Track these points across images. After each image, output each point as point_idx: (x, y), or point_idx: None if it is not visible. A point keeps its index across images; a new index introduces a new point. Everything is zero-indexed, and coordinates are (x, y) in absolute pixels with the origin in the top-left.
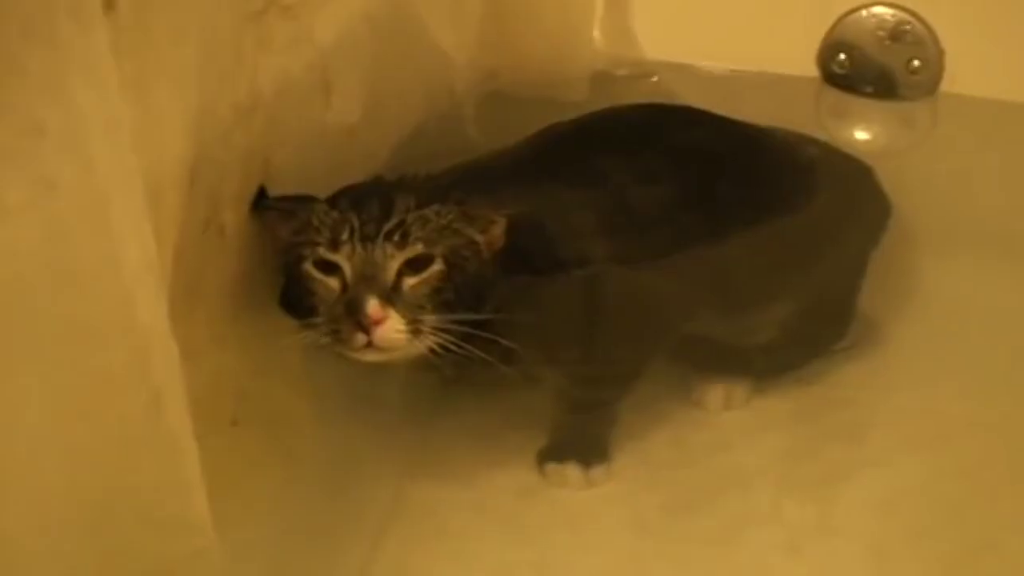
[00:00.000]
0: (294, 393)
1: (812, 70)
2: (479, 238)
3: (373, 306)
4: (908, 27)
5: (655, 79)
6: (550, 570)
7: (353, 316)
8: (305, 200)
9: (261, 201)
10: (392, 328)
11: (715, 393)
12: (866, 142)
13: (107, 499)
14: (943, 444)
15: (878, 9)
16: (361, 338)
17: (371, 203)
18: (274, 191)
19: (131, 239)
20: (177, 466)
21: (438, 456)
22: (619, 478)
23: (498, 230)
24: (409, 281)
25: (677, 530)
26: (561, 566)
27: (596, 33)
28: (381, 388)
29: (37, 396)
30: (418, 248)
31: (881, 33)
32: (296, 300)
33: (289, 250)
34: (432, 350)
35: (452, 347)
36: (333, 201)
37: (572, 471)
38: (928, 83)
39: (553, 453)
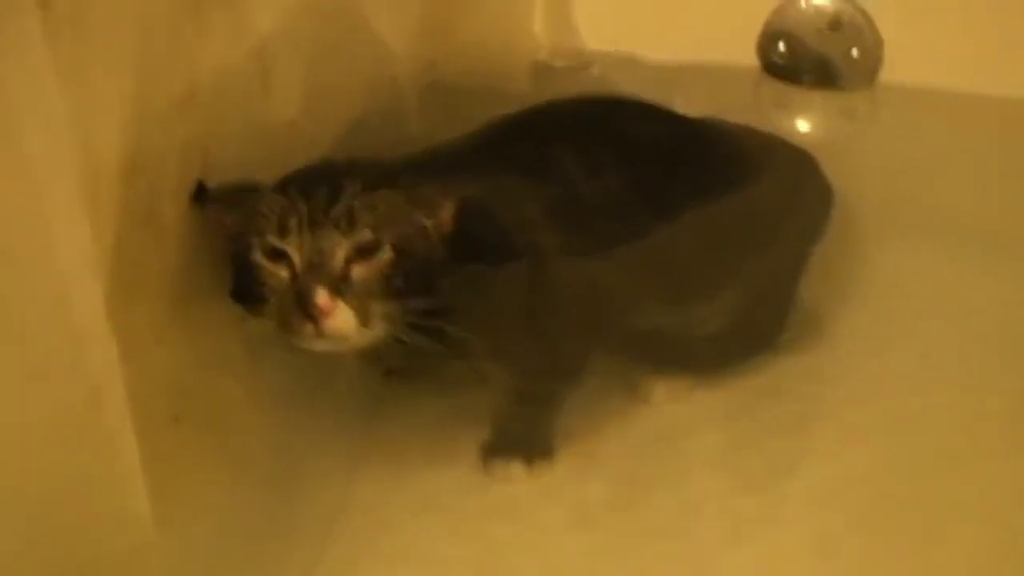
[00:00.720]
0: (237, 389)
1: (752, 60)
2: (428, 223)
3: (322, 296)
4: (847, 16)
5: (595, 69)
6: (496, 565)
7: (302, 306)
8: (250, 188)
9: (203, 193)
10: (341, 318)
11: (658, 386)
12: (806, 131)
13: (44, 495)
14: (887, 435)
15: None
16: (311, 328)
17: (319, 189)
18: (213, 184)
19: (66, 232)
20: (115, 462)
21: (382, 453)
22: (563, 471)
23: (447, 214)
24: (358, 269)
25: (621, 523)
26: (506, 561)
27: (537, 23)
28: (325, 385)
29: None
30: (366, 234)
31: (820, 23)
32: (245, 290)
33: (237, 239)
34: (382, 339)
35: (402, 335)
36: (281, 187)
37: (516, 467)
38: (867, 72)
39: (496, 449)
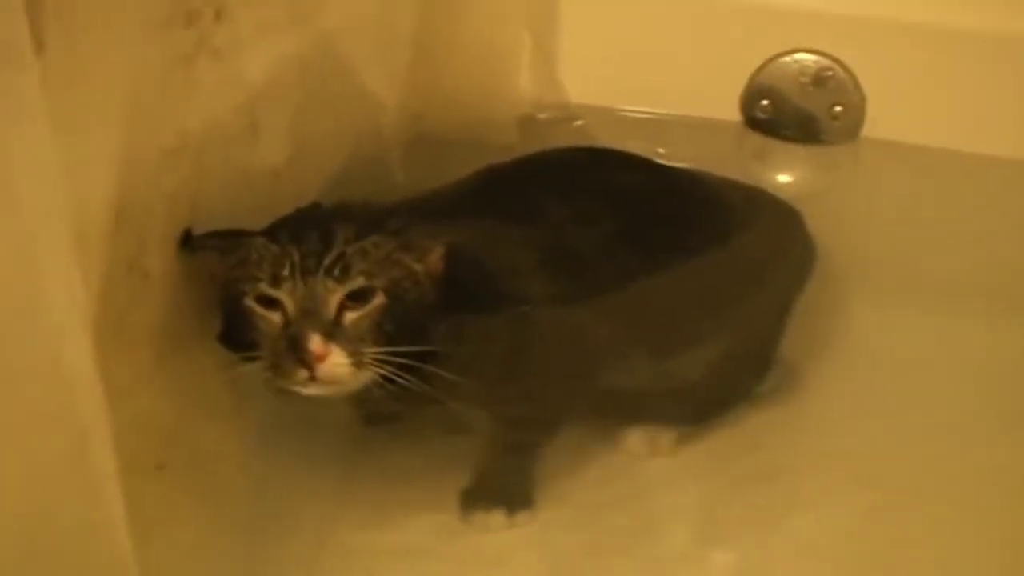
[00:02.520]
0: (221, 435)
1: (735, 114)
2: (418, 268)
3: (315, 342)
4: (830, 73)
5: (580, 122)
6: None
7: (295, 352)
8: (238, 235)
9: (191, 240)
10: (334, 363)
11: (640, 440)
12: (788, 186)
13: (29, 540)
14: (864, 487)
15: (801, 55)
16: (304, 373)
17: (310, 235)
18: (199, 232)
19: (58, 279)
20: (101, 509)
21: (363, 498)
22: (542, 520)
23: (436, 258)
24: (351, 315)
25: (598, 573)
26: None
27: (523, 77)
28: (308, 430)
29: None
30: (359, 281)
31: (804, 79)
32: (236, 335)
33: (227, 286)
34: (374, 382)
35: (395, 378)
36: (272, 233)
37: (496, 516)
38: (850, 128)
39: (477, 497)
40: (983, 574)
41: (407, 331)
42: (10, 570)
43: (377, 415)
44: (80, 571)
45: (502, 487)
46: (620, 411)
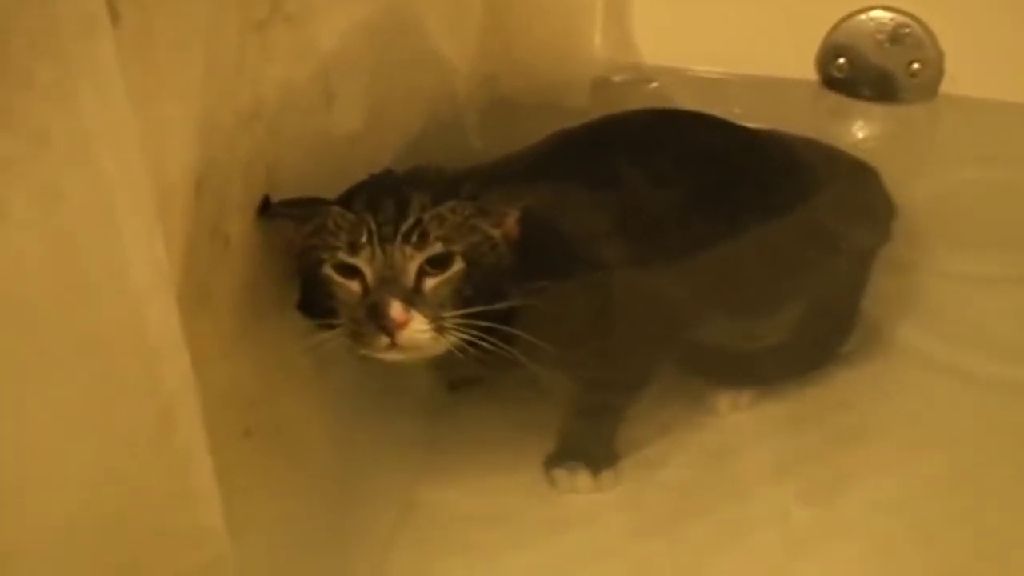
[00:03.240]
0: (304, 400)
1: (811, 74)
2: (495, 232)
3: (396, 309)
4: (907, 30)
5: (655, 84)
6: (558, 574)
7: (376, 319)
8: (314, 203)
9: (269, 208)
10: (415, 329)
11: (722, 397)
12: (866, 145)
13: (120, 511)
14: (949, 446)
15: (877, 12)
16: (385, 340)
17: (386, 203)
18: (277, 199)
19: (140, 249)
20: (190, 477)
21: (445, 462)
22: (626, 482)
23: (512, 222)
24: (430, 282)
25: (683, 534)
26: (568, 570)
27: (596, 39)
28: (390, 394)
29: (47, 410)
30: (437, 248)
31: (880, 36)
32: (314, 303)
33: (304, 254)
34: (455, 347)
35: (475, 342)
36: (346, 202)
37: (581, 477)
38: (928, 85)
39: (561, 459)
40: None
41: (485, 296)
42: (102, 541)
43: (460, 380)
44: (171, 537)
45: (586, 448)
46: (703, 372)
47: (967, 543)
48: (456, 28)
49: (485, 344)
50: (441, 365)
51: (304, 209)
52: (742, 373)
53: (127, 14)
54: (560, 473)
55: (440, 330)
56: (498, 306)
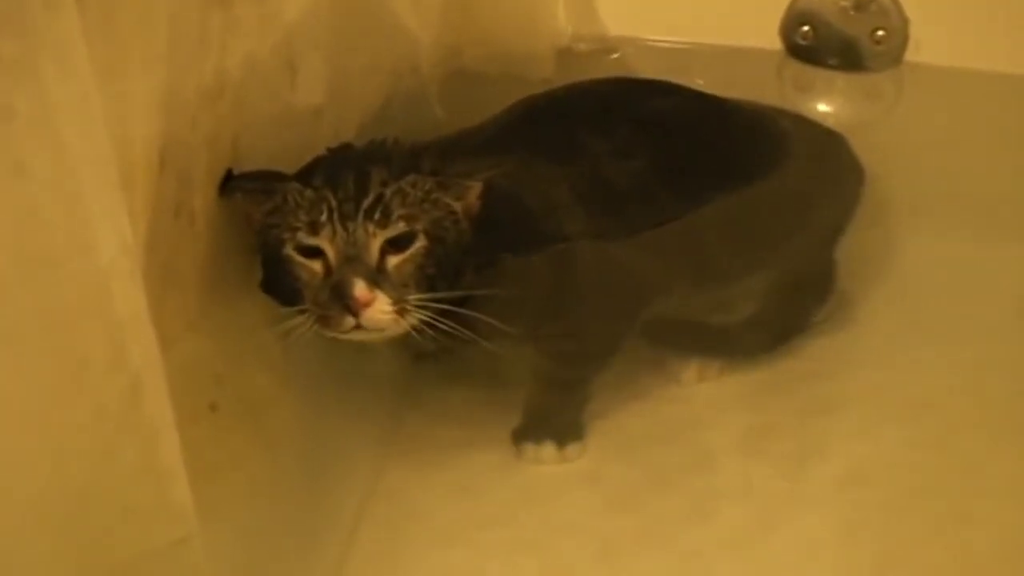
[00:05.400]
0: (270, 375)
1: (775, 43)
2: (457, 206)
3: (360, 289)
4: None
5: (618, 55)
6: (527, 548)
7: (340, 300)
8: (275, 177)
9: (229, 182)
10: (380, 309)
11: (689, 367)
12: (832, 114)
13: (86, 488)
14: (917, 416)
15: None
16: (350, 321)
17: (346, 178)
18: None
19: (105, 224)
20: (157, 453)
21: (413, 438)
22: (593, 455)
23: (473, 195)
24: (393, 260)
25: (651, 506)
26: (538, 544)
27: (559, 10)
28: (357, 370)
29: (11, 385)
30: (400, 226)
31: (845, 3)
32: (277, 283)
33: (265, 231)
34: (417, 327)
35: (437, 323)
36: (305, 177)
37: (548, 450)
38: (893, 53)
39: (528, 432)
40: None
41: (449, 272)
42: (68, 518)
43: (425, 354)
44: (138, 512)
45: (552, 421)
46: (671, 344)
47: (935, 513)
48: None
49: (447, 325)
50: (403, 343)
51: (262, 183)
52: (713, 344)
53: None
54: (527, 446)
55: (403, 310)
56: (462, 293)
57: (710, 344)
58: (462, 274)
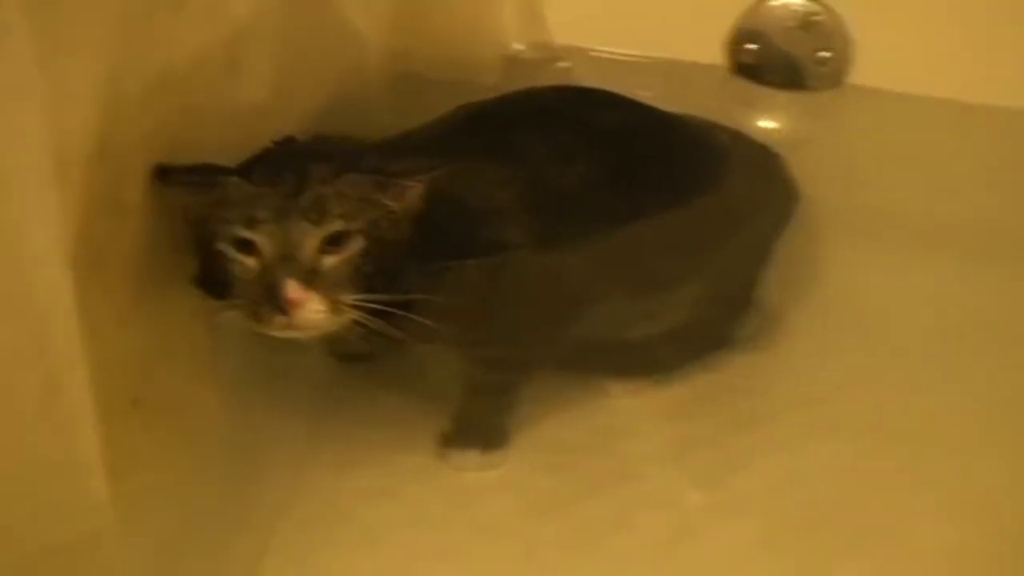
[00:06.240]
0: (196, 372)
1: (719, 58)
2: (396, 206)
3: (293, 289)
4: (817, 17)
5: (564, 63)
6: (449, 555)
7: (273, 299)
8: (213, 171)
9: (166, 174)
10: (312, 309)
11: (616, 382)
12: (772, 131)
13: (2, 476)
14: (841, 431)
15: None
16: (281, 319)
17: (286, 175)
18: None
19: (34, 214)
20: (75, 446)
21: (338, 438)
22: (518, 462)
23: (414, 196)
24: (328, 260)
25: (574, 514)
26: (460, 550)
27: (507, 17)
28: (283, 369)
29: None
30: (337, 225)
31: (790, 23)
32: (211, 277)
33: (200, 224)
34: (349, 326)
35: (368, 323)
36: (246, 172)
37: (471, 455)
38: (836, 74)
39: (454, 437)
40: (959, 518)
41: (385, 273)
42: None
43: (351, 355)
44: (55, 506)
45: (477, 426)
46: (599, 368)
47: (852, 529)
48: (368, 2)
49: (379, 325)
50: (333, 341)
51: (202, 176)
52: (638, 364)
53: None
54: (451, 451)
55: (336, 311)
56: (396, 297)
57: (633, 364)
58: (400, 275)
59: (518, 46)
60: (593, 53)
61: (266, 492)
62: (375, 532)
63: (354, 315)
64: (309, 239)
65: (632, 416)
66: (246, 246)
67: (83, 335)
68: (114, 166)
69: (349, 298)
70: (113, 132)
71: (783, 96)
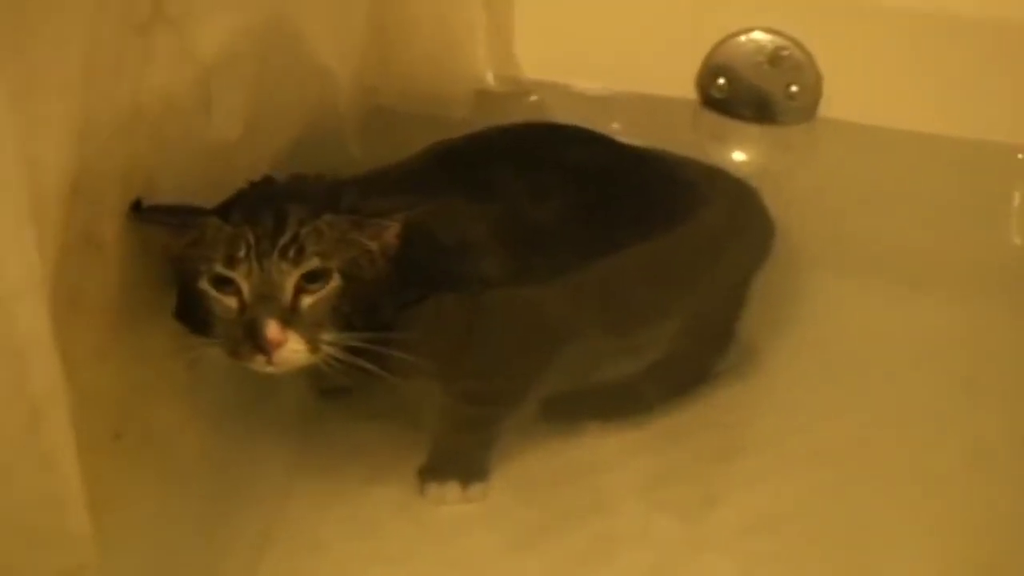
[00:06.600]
0: (177, 406)
1: (691, 93)
2: (373, 245)
3: (273, 329)
4: (787, 52)
5: (535, 98)
6: None
7: (253, 339)
8: (191, 212)
9: (143, 212)
10: (291, 349)
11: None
12: (744, 165)
13: None
14: (817, 465)
15: (757, 35)
16: (261, 359)
17: (264, 216)
18: (150, 204)
19: (11, 248)
20: (56, 481)
21: (317, 472)
22: (495, 496)
23: (391, 235)
24: (307, 299)
25: (551, 549)
26: None
27: (478, 52)
28: (263, 402)
29: None
30: (314, 263)
31: (760, 58)
32: (191, 314)
33: (181, 262)
34: (328, 362)
35: (347, 360)
36: (224, 212)
37: (451, 489)
38: (806, 108)
39: (433, 471)
40: (939, 550)
41: (363, 310)
42: None
43: (331, 389)
44: (34, 539)
45: (457, 461)
46: (578, 404)
47: (831, 564)
48: (338, 38)
49: (358, 362)
50: (314, 375)
51: (178, 217)
52: (618, 405)
53: (1, 7)
54: (431, 485)
55: (315, 349)
56: (375, 335)
57: (613, 404)
58: (379, 312)
59: (489, 81)
60: (564, 87)
61: (247, 525)
62: (353, 565)
63: (333, 352)
64: (288, 279)
65: (611, 450)
66: (226, 285)
67: (63, 370)
68: (89, 202)
69: (328, 336)
70: (87, 169)
71: (756, 130)
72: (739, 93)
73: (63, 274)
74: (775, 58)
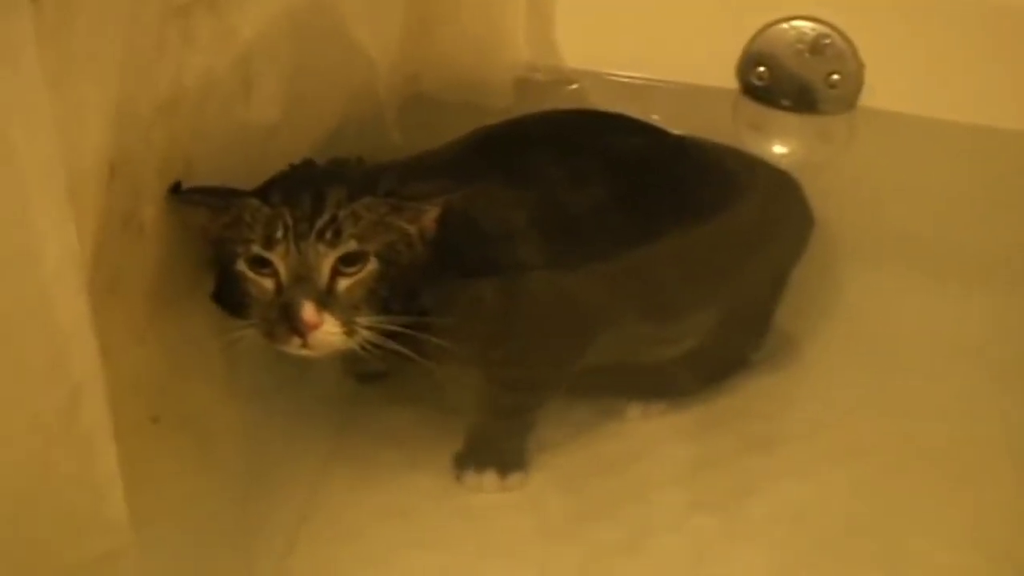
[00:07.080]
0: (214, 389)
1: (731, 82)
2: (411, 229)
3: (309, 311)
4: (828, 41)
5: (576, 86)
6: (460, 574)
7: (289, 320)
8: (230, 193)
9: (184, 194)
10: (328, 330)
11: (632, 403)
12: (784, 155)
13: (21, 497)
14: (855, 457)
15: (798, 22)
16: (297, 340)
17: (303, 197)
18: (189, 186)
19: (51, 232)
20: (94, 464)
21: (353, 457)
22: (532, 484)
23: (429, 219)
24: (344, 282)
25: (587, 537)
26: (471, 570)
27: (519, 40)
28: (301, 386)
29: None
30: (351, 245)
31: (801, 46)
32: (228, 295)
33: (219, 244)
34: (364, 347)
35: (383, 344)
36: (264, 194)
37: (489, 477)
38: (847, 97)
39: (470, 459)
40: (975, 542)
41: (401, 295)
42: (4, 522)
43: (369, 374)
44: (74, 523)
45: (495, 448)
46: (616, 383)
47: (868, 555)
48: (379, 24)
49: (394, 346)
50: (351, 360)
51: (217, 198)
52: (655, 385)
53: None
54: (468, 472)
55: (351, 332)
56: (411, 319)
57: (649, 386)
58: (416, 296)
59: (530, 69)
60: (605, 76)
61: (282, 509)
62: (388, 551)
63: (369, 336)
64: (324, 261)
65: (647, 439)
66: (263, 266)
67: (101, 353)
68: (129, 186)
69: (364, 320)
70: (126, 152)
71: (795, 119)
72: (780, 82)
73: (102, 257)
74: (816, 46)
